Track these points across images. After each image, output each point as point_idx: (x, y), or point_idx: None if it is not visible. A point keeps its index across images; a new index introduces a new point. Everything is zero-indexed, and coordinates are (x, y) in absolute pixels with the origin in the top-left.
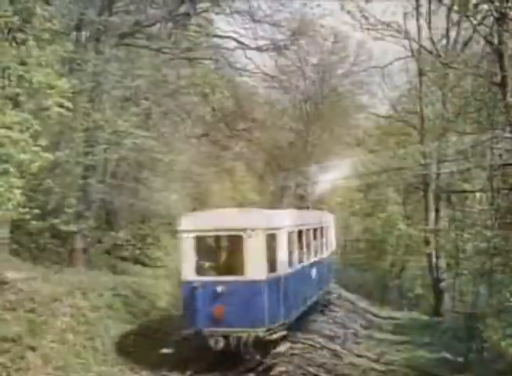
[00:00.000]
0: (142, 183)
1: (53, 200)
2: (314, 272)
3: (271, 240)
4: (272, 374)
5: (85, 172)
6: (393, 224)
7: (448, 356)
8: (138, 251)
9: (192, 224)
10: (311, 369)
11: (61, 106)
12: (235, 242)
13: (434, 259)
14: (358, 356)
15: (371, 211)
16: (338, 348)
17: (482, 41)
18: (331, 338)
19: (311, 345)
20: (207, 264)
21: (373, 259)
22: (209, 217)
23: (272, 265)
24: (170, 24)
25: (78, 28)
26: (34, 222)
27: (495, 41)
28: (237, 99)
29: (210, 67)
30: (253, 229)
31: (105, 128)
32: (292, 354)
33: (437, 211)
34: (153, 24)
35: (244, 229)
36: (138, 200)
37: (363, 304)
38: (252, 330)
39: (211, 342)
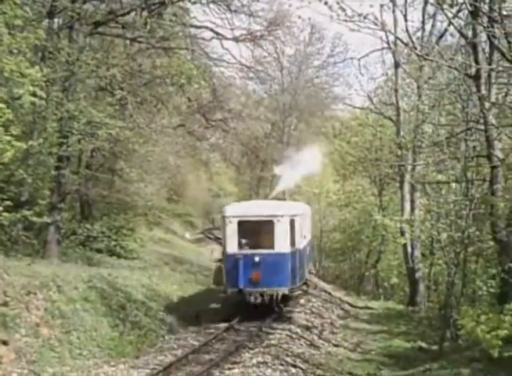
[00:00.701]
0: (117, 174)
1: (26, 192)
2: (308, 249)
3: (291, 223)
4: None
5: (59, 163)
6: (369, 215)
7: (423, 344)
8: (113, 243)
9: (236, 212)
10: (288, 359)
11: (34, 95)
12: (267, 225)
13: (409, 249)
14: (335, 345)
15: (347, 202)
16: (315, 338)
17: (457, 34)
18: (308, 328)
19: (288, 336)
20: (246, 241)
21: (349, 250)
22: (248, 206)
23: (292, 241)
24: (145, 13)
25: (51, 15)
26: (6, 214)
27: (470, 34)
28: (213, 89)
29: (186, 57)
30: (281, 216)
31: (79, 118)
32: (269, 345)
33: (412, 201)
34: (128, 13)
35: (275, 216)
36: (113, 192)
37: (340, 294)
38: (280, 289)
39: (251, 298)
